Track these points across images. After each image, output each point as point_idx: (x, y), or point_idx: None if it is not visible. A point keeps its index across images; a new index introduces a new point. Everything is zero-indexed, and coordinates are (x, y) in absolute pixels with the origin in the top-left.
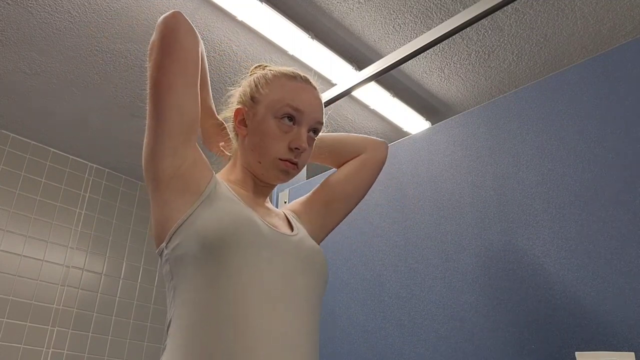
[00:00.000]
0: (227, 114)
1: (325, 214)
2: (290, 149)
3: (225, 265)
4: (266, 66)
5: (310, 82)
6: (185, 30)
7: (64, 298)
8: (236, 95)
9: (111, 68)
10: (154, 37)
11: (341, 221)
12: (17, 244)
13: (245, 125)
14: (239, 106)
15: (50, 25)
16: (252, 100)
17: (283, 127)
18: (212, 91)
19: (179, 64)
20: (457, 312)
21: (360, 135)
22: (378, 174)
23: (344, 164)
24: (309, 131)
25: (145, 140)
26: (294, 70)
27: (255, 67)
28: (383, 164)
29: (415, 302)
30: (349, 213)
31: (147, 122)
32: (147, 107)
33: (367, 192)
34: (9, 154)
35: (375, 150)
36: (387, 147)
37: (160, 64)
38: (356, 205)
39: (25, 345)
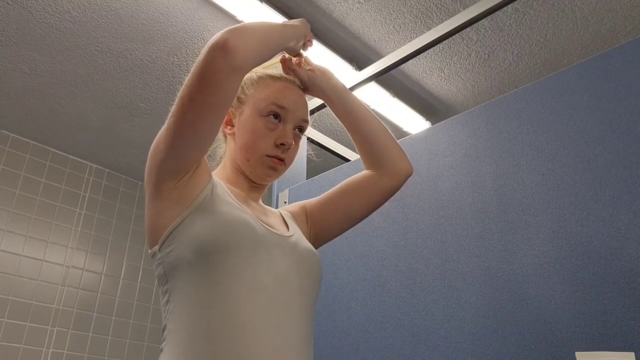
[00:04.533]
0: None
1: (320, 227)
2: (277, 146)
3: (220, 269)
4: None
5: (295, 83)
6: (231, 71)
7: (64, 298)
8: None
9: (111, 68)
10: (199, 60)
11: (337, 236)
12: (17, 244)
13: (232, 125)
14: None
15: (50, 25)
16: (237, 100)
17: (269, 124)
18: None
19: (210, 106)
20: (457, 312)
21: (396, 145)
22: (383, 202)
23: (362, 157)
24: (294, 129)
25: (155, 147)
26: (279, 72)
27: None
28: (393, 193)
29: (415, 302)
30: (344, 231)
31: (162, 131)
32: (168, 119)
33: (365, 217)
34: (9, 154)
35: (390, 176)
36: (410, 174)
37: (193, 97)
38: (353, 226)
39: (25, 345)
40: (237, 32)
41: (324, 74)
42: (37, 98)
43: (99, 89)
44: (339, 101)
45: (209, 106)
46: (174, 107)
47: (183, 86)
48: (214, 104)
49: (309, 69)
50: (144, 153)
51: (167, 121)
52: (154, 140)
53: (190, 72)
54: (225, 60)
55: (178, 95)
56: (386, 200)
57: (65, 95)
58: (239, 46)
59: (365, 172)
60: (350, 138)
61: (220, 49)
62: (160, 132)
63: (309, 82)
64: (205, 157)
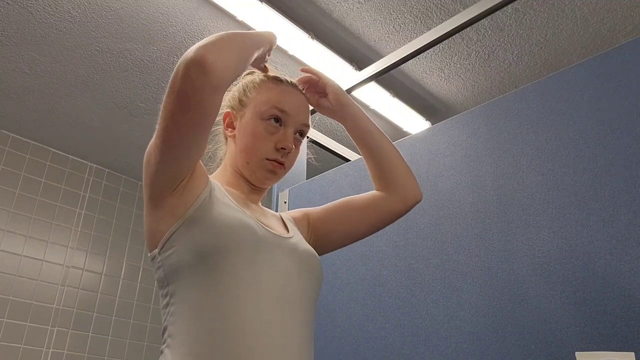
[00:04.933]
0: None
1: (319, 236)
2: (277, 149)
3: (220, 271)
4: (255, 72)
5: (297, 87)
6: (213, 90)
7: (64, 298)
8: (225, 99)
9: (111, 68)
10: (175, 79)
11: (334, 250)
12: (17, 244)
13: (234, 128)
14: (227, 110)
15: (50, 25)
16: (239, 103)
17: (270, 128)
18: None
19: (194, 124)
20: (457, 312)
21: (408, 170)
22: (385, 225)
23: (372, 177)
24: (295, 133)
25: (147, 161)
26: (281, 76)
27: (246, 74)
28: (398, 217)
29: (415, 302)
30: (341, 247)
31: (152, 146)
32: (155, 136)
33: (364, 237)
34: (9, 154)
35: (398, 200)
36: (418, 201)
37: (176, 118)
38: (350, 243)
39: (25, 345)
40: (212, 47)
41: (336, 100)
42: (37, 98)
43: (99, 89)
44: (352, 124)
45: (193, 124)
46: (157, 126)
47: (163, 106)
48: (198, 121)
49: (319, 93)
50: (144, 153)
51: (154, 137)
52: (145, 153)
53: (168, 92)
54: (205, 79)
55: (160, 115)
56: (389, 223)
57: (65, 95)
58: (217, 62)
59: (373, 192)
60: (354, 143)
61: (199, 67)
62: (149, 145)
63: (319, 106)
64: (203, 160)
